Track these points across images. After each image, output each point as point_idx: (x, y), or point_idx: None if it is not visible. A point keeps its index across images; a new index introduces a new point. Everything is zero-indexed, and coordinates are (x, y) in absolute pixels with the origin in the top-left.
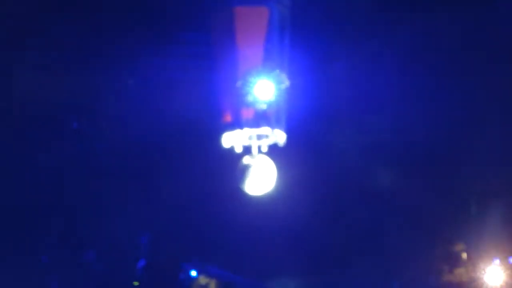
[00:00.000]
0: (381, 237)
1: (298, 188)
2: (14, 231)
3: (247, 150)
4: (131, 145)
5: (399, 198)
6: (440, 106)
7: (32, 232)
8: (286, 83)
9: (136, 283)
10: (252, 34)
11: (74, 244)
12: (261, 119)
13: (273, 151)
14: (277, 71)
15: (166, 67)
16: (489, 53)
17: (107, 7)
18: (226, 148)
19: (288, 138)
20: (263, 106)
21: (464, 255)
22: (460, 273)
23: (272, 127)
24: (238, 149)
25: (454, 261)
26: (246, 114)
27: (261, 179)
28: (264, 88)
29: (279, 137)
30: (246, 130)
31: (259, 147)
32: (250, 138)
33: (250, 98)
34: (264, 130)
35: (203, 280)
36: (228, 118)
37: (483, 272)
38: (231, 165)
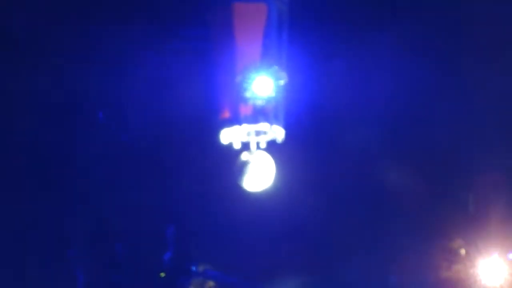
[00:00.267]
0: (379, 233)
1: (297, 184)
2: (40, 224)
3: (245, 146)
4: (126, 141)
5: (397, 194)
6: (438, 103)
7: (58, 225)
8: (285, 79)
9: (162, 274)
10: (250, 30)
11: (101, 237)
12: (259, 115)
13: (272, 147)
14: (276, 67)
15: (164, 63)
16: (488, 51)
17: (105, 3)
18: (225, 144)
19: (287, 134)
20: (262, 102)
21: (463, 251)
22: (458, 269)
23: (271, 123)
24: (237, 145)
25: (452, 257)
26: (245, 110)
27: (259, 175)
28: (263, 84)
29: (278, 133)
30: (245, 126)
31: (257, 143)
32: (248, 134)
33: (248, 94)
34: (263, 126)
35: (198, 281)
36: (226, 114)
37: (481, 268)
38: (230, 161)
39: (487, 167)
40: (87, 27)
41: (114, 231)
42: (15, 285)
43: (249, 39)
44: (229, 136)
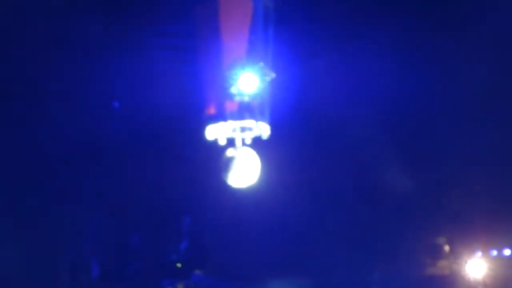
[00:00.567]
0: (363, 230)
1: (282, 181)
2: (54, 214)
3: (230, 142)
4: (110, 138)
5: (382, 191)
6: (423, 100)
7: (72, 214)
8: (270, 75)
9: (179, 265)
10: (236, 26)
11: (117, 227)
12: (245, 111)
13: (257, 143)
14: (261, 63)
15: (149, 59)
16: (475, 49)
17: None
18: (210, 141)
19: (272, 131)
20: (247, 99)
21: (447, 248)
22: (442, 265)
23: (256, 119)
24: (222, 142)
25: (436, 253)
26: (230, 106)
27: (244, 171)
28: (248, 81)
29: (263, 129)
30: (230, 123)
31: (243, 140)
32: (234, 130)
33: (234, 91)
34: (248, 122)
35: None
36: (212, 110)
37: (465, 265)
38: (215, 158)
39: (473, 165)
40: (71, 22)
41: (129, 220)
42: (30, 275)
43: (234, 36)
44: (214, 132)
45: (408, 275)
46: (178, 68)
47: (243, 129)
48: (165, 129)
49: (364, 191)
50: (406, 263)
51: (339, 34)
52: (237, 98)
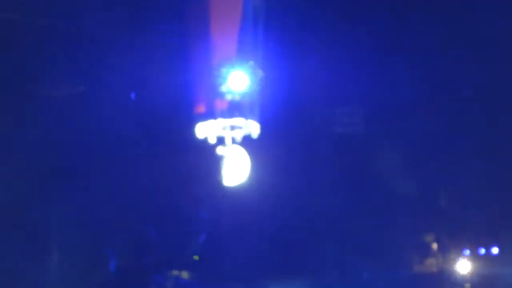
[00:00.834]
0: (353, 228)
1: (271, 179)
2: (73, 207)
3: (220, 140)
4: (101, 136)
5: (370, 189)
6: (414, 98)
7: (92, 209)
8: (260, 74)
9: (196, 257)
10: (226, 24)
11: (134, 220)
12: (235, 109)
13: (247, 142)
14: (251, 62)
15: (139, 57)
16: (466, 47)
17: None
18: (200, 139)
19: (262, 129)
20: (237, 97)
21: (435, 246)
22: (430, 263)
23: (246, 117)
24: (212, 140)
25: (424, 251)
26: (220, 104)
27: (234, 170)
28: (238, 79)
29: (253, 128)
30: (220, 121)
31: (232, 138)
32: (224, 128)
33: (224, 89)
34: (238, 121)
35: None
36: (201, 108)
37: (453, 263)
38: (205, 156)
39: (461, 164)
40: (63, 19)
41: (146, 213)
42: (48, 268)
43: (224, 33)
44: (204, 130)
45: (397, 273)
46: (168, 66)
47: (233, 127)
48: (154, 127)
49: (353, 189)
50: (395, 262)
51: (329, 32)
52: (227, 97)
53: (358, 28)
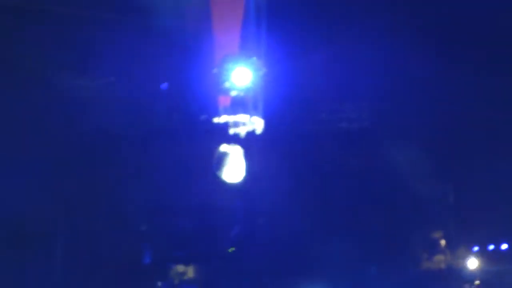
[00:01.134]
0: (360, 224)
1: (274, 174)
2: (107, 199)
3: (225, 137)
4: (103, 133)
5: (378, 184)
6: (417, 94)
7: (126, 202)
8: (263, 70)
9: (231, 249)
10: (229, 21)
11: (168, 213)
12: (238, 106)
13: (251, 137)
14: (255, 58)
15: (143, 55)
16: (478, 45)
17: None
18: (204, 135)
19: (265, 125)
20: (241, 93)
21: (443, 243)
22: (439, 260)
23: (250, 114)
24: (216, 136)
25: (433, 248)
26: (224, 101)
27: (238, 166)
28: (242, 75)
29: (257, 124)
30: (224, 117)
31: (236, 134)
32: (228, 125)
33: (227, 85)
34: (242, 117)
35: None
36: (206, 105)
37: (462, 259)
38: (209, 152)
39: (470, 160)
40: (65, 19)
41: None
42: (83, 257)
43: (227, 30)
44: (208, 127)
45: (406, 270)
46: (172, 64)
47: (236, 124)
48: (159, 124)
49: (360, 186)
50: (404, 258)
51: (332, 28)
52: (231, 93)
53: (362, 23)
